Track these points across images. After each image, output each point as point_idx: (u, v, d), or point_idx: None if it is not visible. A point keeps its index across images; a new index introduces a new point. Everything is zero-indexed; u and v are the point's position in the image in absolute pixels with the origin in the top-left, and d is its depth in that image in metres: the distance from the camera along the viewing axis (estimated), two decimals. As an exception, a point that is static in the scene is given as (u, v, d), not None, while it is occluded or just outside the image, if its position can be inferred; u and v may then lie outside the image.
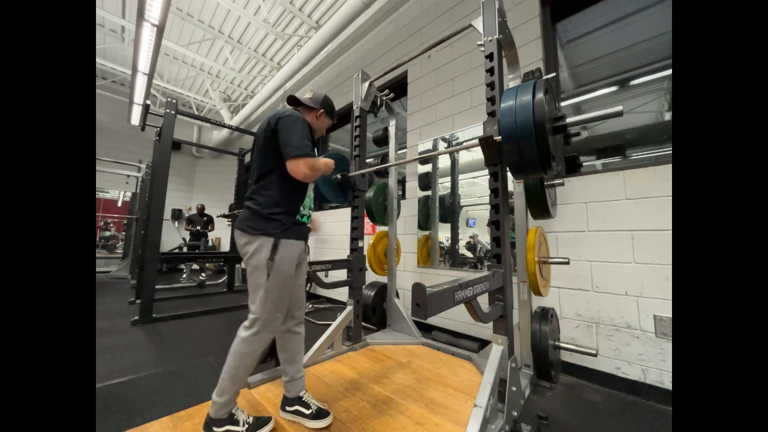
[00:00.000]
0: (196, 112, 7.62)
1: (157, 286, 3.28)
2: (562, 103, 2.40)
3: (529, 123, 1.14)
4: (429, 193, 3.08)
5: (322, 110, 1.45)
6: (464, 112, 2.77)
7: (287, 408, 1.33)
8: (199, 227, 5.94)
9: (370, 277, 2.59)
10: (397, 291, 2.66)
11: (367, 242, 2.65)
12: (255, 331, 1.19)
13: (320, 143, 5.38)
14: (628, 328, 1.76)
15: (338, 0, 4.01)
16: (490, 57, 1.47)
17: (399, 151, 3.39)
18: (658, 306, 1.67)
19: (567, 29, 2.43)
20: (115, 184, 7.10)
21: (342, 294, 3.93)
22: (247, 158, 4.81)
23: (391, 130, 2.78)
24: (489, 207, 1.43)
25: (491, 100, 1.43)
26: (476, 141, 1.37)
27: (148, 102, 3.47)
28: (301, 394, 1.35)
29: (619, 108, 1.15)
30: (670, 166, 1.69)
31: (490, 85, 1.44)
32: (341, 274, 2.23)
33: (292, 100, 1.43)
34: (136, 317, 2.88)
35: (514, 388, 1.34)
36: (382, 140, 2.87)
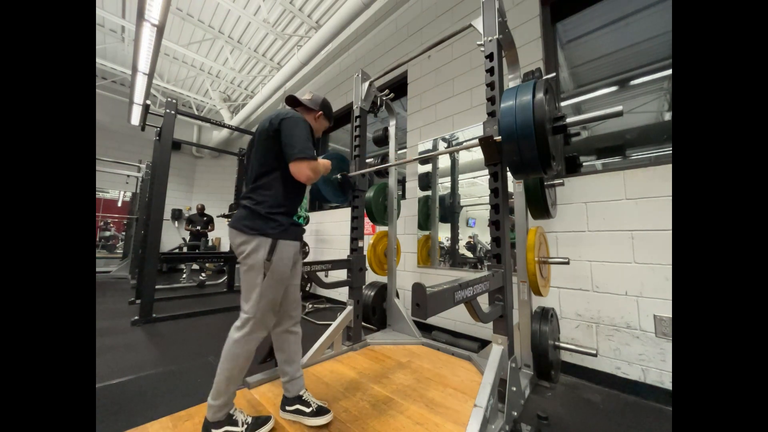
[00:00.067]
0: (196, 112, 7.62)
1: (157, 286, 3.28)
2: (562, 103, 2.40)
3: (529, 123, 1.14)
4: (429, 193, 3.08)
5: (320, 112, 1.48)
6: (464, 112, 2.77)
7: (287, 408, 1.33)
8: (199, 227, 5.94)
9: (370, 277, 2.59)
10: (397, 291, 2.66)
11: (367, 242, 2.65)
12: (248, 331, 1.19)
13: (319, 144, 5.38)
14: (628, 328, 1.76)
15: (338, 0, 4.01)
16: (490, 57, 1.47)
17: (399, 151, 3.39)
18: (658, 306, 1.67)
19: (567, 29, 2.43)
20: (115, 184, 7.10)
21: (342, 294, 3.93)
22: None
23: (391, 130, 2.78)
24: (489, 207, 1.43)
25: (491, 100, 1.43)
26: (476, 141, 1.37)
27: (148, 102, 3.47)
28: (301, 393, 1.35)
29: (619, 108, 1.15)
30: (670, 166, 1.69)
31: (490, 85, 1.44)
32: (341, 274, 2.23)
33: (292, 100, 1.44)
34: (136, 317, 2.88)
35: (514, 388, 1.34)
36: (382, 140, 2.87)
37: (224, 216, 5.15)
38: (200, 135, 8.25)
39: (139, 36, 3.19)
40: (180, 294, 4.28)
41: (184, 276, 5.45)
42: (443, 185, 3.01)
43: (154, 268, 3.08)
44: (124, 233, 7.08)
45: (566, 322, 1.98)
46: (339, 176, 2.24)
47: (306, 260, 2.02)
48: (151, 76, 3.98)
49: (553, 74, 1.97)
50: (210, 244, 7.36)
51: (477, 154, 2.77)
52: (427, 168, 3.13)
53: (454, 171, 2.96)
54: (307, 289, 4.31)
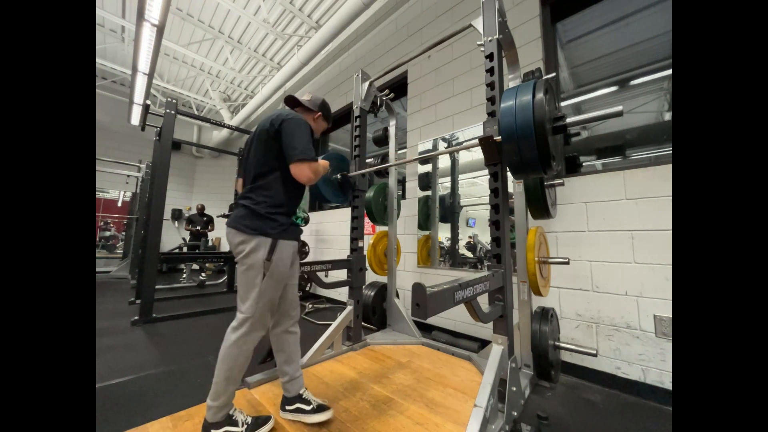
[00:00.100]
0: (196, 112, 7.62)
1: (157, 286, 3.28)
2: (562, 103, 2.40)
3: (529, 123, 1.14)
4: (429, 193, 3.08)
5: (320, 113, 1.50)
6: (464, 112, 2.77)
7: (287, 407, 1.33)
8: (199, 227, 5.94)
9: (370, 277, 2.59)
10: (397, 291, 2.66)
11: (367, 242, 2.65)
12: (245, 331, 1.18)
13: (319, 144, 5.38)
14: (628, 328, 1.76)
15: (338, 0, 4.01)
16: (490, 57, 1.47)
17: (399, 151, 3.39)
18: (658, 306, 1.67)
19: (567, 29, 2.43)
20: (115, 184, 7.10)
21: (342, 294, 3.93)
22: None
23: (391, 130, 2.78)
24: (489, 207, 1.43)
25: (491, 100, 1.43)
26: (476, 141, 1.37)
27: (148, 102, 3.47)
28: (301, 392, 1.35)
29: (619, 108, 1.15)
30: (670, 166, 1.69)
31: (490, 85, 1.44)
32: (341, 274, 2.23)
33: (291, 100, 1.44)
34: (136, 317, 2.88)
35: (514, 388, 1.34)
36: (382, 140, 2.87)
37: (224, 216, 5.15)
38: (200, 135, 8.25)
39: (139, 36, 3.19)
40: (180, 294, 4.28)
41: (184, 276, 5.45)
42: (443, 185, 3.01)
43: (154, 268, 3.08)
44: (124, 233, 7.08)
45: (566, 322, 1.98)
46: (339, 176, 2.24)
47: (306, 260, 2.02)
48: (151, 76, 3.98)
49: (553, 74, 1.97)
50: (210, 244, 7.35)
51: (477, 154, 2.77)
52: (427, 168, 3.13)
53: (454, 171, 2.96)
54: (307, 289, 4.31)
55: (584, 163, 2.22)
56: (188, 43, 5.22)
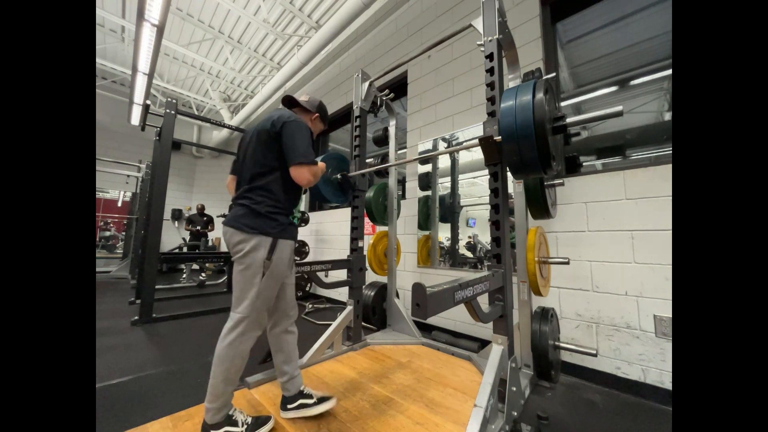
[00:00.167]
0: (196, 112, 7.62)
1: (157, 286, 3.28)
2: (562, 103, 2.40)
3: (529, 123, 1.14)
4: (429, 193, 3.08)
5: (317, 114, 1.52)
6: (464, 112, 2.77)
7: (289, 406, 1.33)
8: (199, 227, 5.94)
9: (370, 277, 2.59)
10: (397, 291, 2.66)
11: (367, 242, 2.65)
12: (242, 331, 1.18)
13: (319, 144, 5.38)
14: (628, 328, 1.76)
15: (338, 0, 4.01)
16: (490, 57, 1.47)
17: (399, 151, 3.39)
18: (658, 306, 1.67)
19: (567, 29, 2.43)
20: (115, 184, 7.10)
21: (342, 294, 3.93)
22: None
23: (391, 130, 2.78)
24: (489, 207, 1.43)
25: (491, 100, 1.43)
26: (476, 141, 1.37)
27: (148, 102, 3.47)
28: (301, 389, 1.36)
29: (619, 108, 1.15)
30: (670, 166, 1.69)
31: (490, 85, 1.44)
32: (341, 274, 2.23)
33: (288, 100, 1.45)
34: (136, 317, 2.88)
35: (514, 388, 1.34)
36: (382, 140, 2.87)
37: (224, 216, 5.15)
38: (200, 135, 8.25)
39: (139, 36, 3.19)
40: (180, 294, 4.28)
41: (184, 276, 5.45)
42: (443, 185, 3.01)
43: (154, 268, 3.08)
44: (124, 233, 7.08)
45: (566, 322, 1.98)
46: (339, 176, 2.24)
47: (306, 260, 2.02)
48: (151, 76, 3.98)
49: (553, 74, 1.97)
50: (210, 244, 7.35)
51: (477, 154, 2.77)
52: (427, 168, 3.13)
53: (454, 171, 2.96)
54: (307, 289, 4.31)
55: (584, 163, 2.22)
56: (188, 43, 5.22)
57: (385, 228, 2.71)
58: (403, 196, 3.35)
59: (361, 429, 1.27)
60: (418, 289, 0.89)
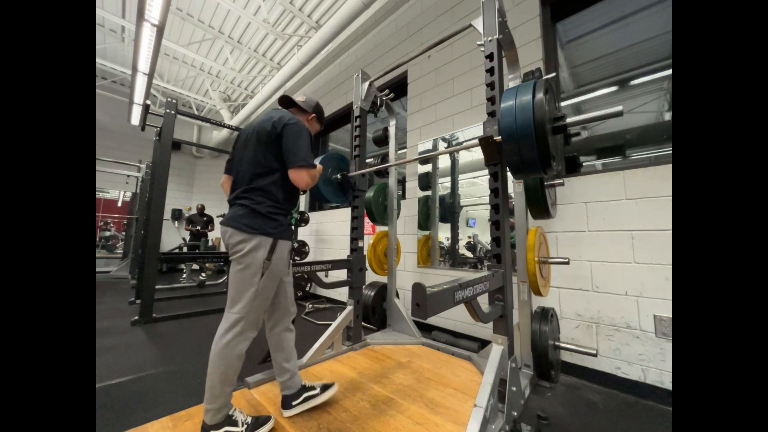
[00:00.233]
0: (196, 112, 7.62)
1: (157, 286, 3.28)
2: (562, 103, 2.40)
3: (529, 123, 1.14)
4: (429, 193, 3.08)
5: (313, 115, 1.53)
6: (464, 112, 2.77)
7: (294, 402, 1.33)
8: (199, 227, 5.94)
9: (370, 277, 2.59)
10: (397, 291, 2.66)
11: (367, 242, 2.65)
12: (238, 332, 1.18)
13: (319, 145, 5.38)
14: (628, 328, 1.76)
15: (338, 0, 4.01)
16: (490, 57, 1.47)
17: (399, 151, 3.39)
18: (658, 306, 1.67)
19: (567, 29, 2.43)
20: (115, 184, 7.09)
21: (342, 294, 3.93)
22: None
23: (391, 130, 2.78)
24: (489, 207, 1.43)
25: (491, 100, 1.43)
26: (476, 141, 1.37)
27: (148, 102, 3.47)
28: (303, 383, 1.38)
29: (619, 108, 1.15)
30: (670, 166, 1.69)
31: (490, 85, 1.44)
32: (341, 274, 2.23)
33: (285, 100, 1.45)
34: (136, 317, 2.88)
35: (514, 388, 1.34)
36: (382, 140, 2.87)
37: (224, 216, 5.14)
38: (200, 135, 8.25)
39: (139, 36, 3.19)
40: (180, 294, 4.28)
41: (184, 276, 5.45)
42: (443, 185, 3.01)
43: (154, 268, 3.08)
44: (124, 233, 7.08)
45: (566, 322, 1.98)
46: (339, 176, 2.24)
47: (306, 260, 2.02)
48: (151, 76, 3.98)
49: (553, 74, 1.97)
50: (210, 244, 7.35)
51: (477, 154, 2.77)
52: (427, 168, 3.13)
53: (454, 171, 2.96)
54: (307, 289, 4.31)
55: (584, 163, 2.22)
56: (188, 43, 5.22)
57: (385, 228, 2.71)
58: (403, 196, 3.35)
59: (361, 429, 1.27)
60: (418, 289, 0.89)
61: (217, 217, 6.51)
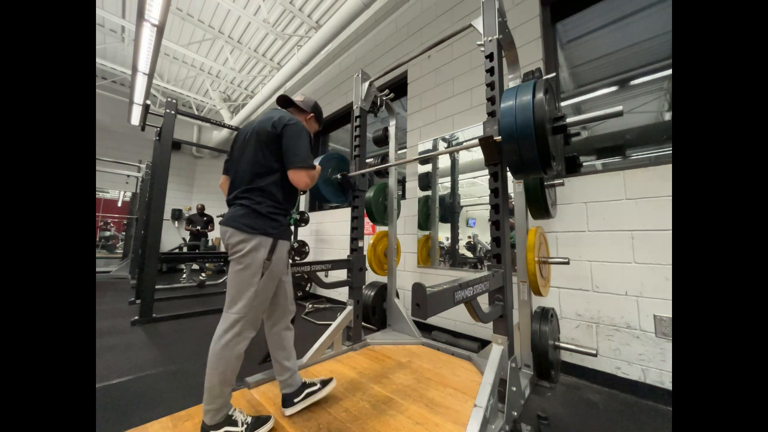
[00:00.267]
0: (196, 112, 7.62)
1: (157, 286, 3.27)
2: (562, 103, 2.40)
3: (529, 123, 1.14)
4: (429, 193, 3.08)
5: (312, 115, 1.53)
6: (464, 112, 2.77)
7: (296, 399, 1.34)
8: (199, 227, 5.94)
9: (370, 277, 2.59)
10: (397, 291, 2.66)
11: (367, 242, 2.65)
12: (237, 332, 1.18)
13: (319, 144, 5.38)
14: (628, 328, 1.76)
15: (338, 0, 4.01)
16: (490, 57, 1.47)
17: (399, 151, 3.39)
18: (658, 306, 1.67)
19: (567, 29, 2.43)
20: (115, 184, 7.09)
21: (342, 294, 3.93)
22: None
23: (391, 130, 2.78)
24: (489, 207, 1.43)
25: (491, 100, 1.43)
26: (476, 141, 1.37)
27: (148, 102, 3.47)
28: (304, 380, 1.40)
29: (619, 108, 1.15)
30: (670, 166, 1.69)
31: (490, 85, 1.44)
32: (341, 274, 2.23)
33: (284, 100, 1.45)
34: (136, 317, 2.88)
35: (514, 388, 1.34)
36: (382, 140, 2.87)
37: (223, 216, 5.14)
38: (200, 135, 8.25)
39: (139, 36, 3.19)
40: (180, 294, 4.28)
41: (184, 276, 5.45)
42: (443, 185, 3.01)
43: (154, 268, 3.08)
44: (124, 233, 7.08)
45: (566, 322, 1.98)
46: (339, 176, 2.24)
47: (306, 260, 2.02)
48: (151, 76, 3.98)
49: (553, 74, 1.97)
50: (210, 244, 7.35)
51: (477, 154, 2.77)
52: (427, 168, 3.13)
53: (454, 171, 2.96)
54: (307, 289, 4.31)
55: (584, 163, 2.22)
56: (188, 43, 5.22)
57: (385, 228, 2.71)
58: (403, 196, 3.35)
59: (361, 429, 1.27)
60: (418, 289, 0.89)
61: (217, 217, 6.51)
